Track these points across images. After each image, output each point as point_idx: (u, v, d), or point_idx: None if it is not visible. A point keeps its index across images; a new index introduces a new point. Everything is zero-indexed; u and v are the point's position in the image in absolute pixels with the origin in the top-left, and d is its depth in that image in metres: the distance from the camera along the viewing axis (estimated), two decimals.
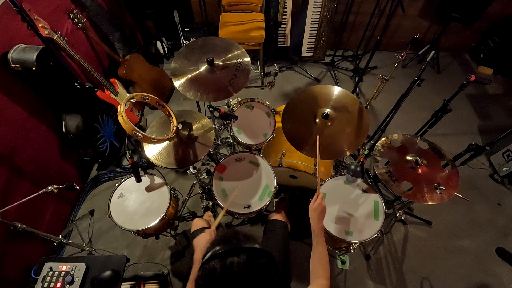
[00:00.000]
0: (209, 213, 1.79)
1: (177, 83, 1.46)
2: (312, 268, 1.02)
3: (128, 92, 2.45)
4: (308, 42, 3.07)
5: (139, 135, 1.13)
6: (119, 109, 1.12)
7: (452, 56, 3.40)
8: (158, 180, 1.53)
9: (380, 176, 1.35)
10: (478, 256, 1.95)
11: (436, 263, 1.92)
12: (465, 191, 2.21)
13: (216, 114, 1.39)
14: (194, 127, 1.47)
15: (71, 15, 1.97)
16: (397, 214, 1.61)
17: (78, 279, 1.19)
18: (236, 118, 1.57)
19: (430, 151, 1.44)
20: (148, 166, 2.17)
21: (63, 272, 1.21)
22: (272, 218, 1.54)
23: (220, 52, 1.57)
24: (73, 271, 1.21)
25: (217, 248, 0.75)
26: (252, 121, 1.68)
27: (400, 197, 1.91)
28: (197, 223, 1.51)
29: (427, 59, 1.98)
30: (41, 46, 1.54)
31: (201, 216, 1.89)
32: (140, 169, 1.46)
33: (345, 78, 3.14)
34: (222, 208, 1.43)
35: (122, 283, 1.37)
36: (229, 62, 1.55)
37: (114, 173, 2.31)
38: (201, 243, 1.10)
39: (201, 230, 1.46)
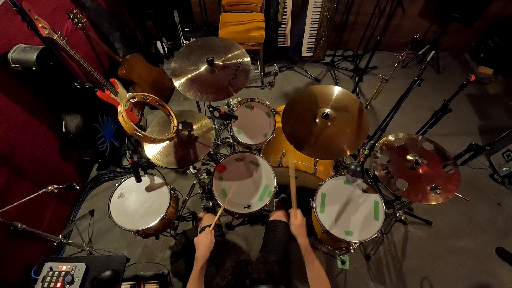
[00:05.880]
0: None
1: (177, 83, 1.46)
2: (312, 285, 1.02)
3: (128, 92, 2.45)
4: (308, 42, 3.07)
5: (140, 134, 1.13)
6: (119, 108, 1.12)
7: (452, 56, 3.40)
8: (158, 180, 1.53)
9: (377, 174, 1.36)
10: (478, 256, 1.95)
11: (436, 263, 1.92)
12: (465, 191, 2.21)
13: (216, 114, 1.39)
14: (194, 127, 1.47)
15: (71, 15, 1.97)
16: (397, 214, 1.61)
17: (78, 279, 1.19)
18: (236, 118, 1.57)
19: (434, 152, 1.43)
20: (148, 166, 2.17)
21: (63, 272, 1.21)
22: (272, 218, 1.54)
23: (220, 52, 1.57)
24: (73, 271, 1.21)
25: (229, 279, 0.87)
26: (252, 121, 1.68)
27: (400, 197, 1.91)
28: (207, 219, 1.47)
29: (427, 59, 1.98)
30: (41, 46, 1.54)
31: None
32: (140, 169, 1.46)
33: (345, 78, 3.14)
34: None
35: (122, 283, 1.37)
36: (229, 62, 1.55)
37: (114, 173, 2.31)
38: (201, 242, 1.11)
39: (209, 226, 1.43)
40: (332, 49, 3.33)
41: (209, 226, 1.42)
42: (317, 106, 1.45)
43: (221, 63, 1.53)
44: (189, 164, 1.45)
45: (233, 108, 1.70)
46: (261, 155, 1.60)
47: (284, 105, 1.51)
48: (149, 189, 1.50)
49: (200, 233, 1.42)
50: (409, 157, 1.40)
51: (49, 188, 1.28)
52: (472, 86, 3.03)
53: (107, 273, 1.20)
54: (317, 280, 1.01)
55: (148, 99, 1.27)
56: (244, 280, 0.92)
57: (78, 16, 2.00)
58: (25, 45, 1.55)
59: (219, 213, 1.23)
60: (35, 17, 1.61)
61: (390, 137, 1.50)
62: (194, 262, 1.05)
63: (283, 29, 2.97)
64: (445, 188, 1.29)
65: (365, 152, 1.45)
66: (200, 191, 2.02)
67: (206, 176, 1.99)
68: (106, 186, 2.26)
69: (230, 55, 1.56)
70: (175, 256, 1.92)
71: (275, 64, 1.95)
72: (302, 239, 1.09)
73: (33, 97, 1.71)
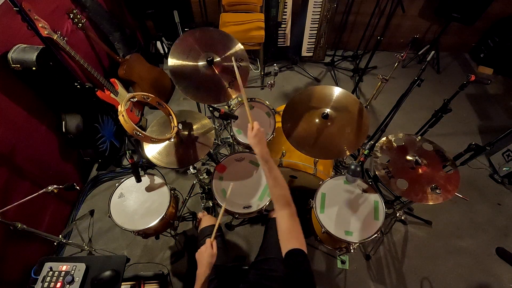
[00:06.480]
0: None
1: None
2: (272, 194, 0.99)
3: (128, 92, 2.45)
4: (308, 42, 3.07)
5: (140, 134, 1.13)
6: (119, 108, 1.12)
7: (452, 56, 3.40)
8: (158, 180, 1.53)
9: (378, 173, 1.36)
10: (478, 256, 1.95)
11: (436, 263, 1.92)
12: (465, 191, 2.21)
13: (216, 114, 1.39)
14: (194, 127, 1.47)
15: (71, 15, 1.97)
16: (397, 214, 1.61)
17: (78, 279, 1.19)
18: (236, 118, 1.57)
19: (433, 152, 1.43)
20: (148, 166, 2.17)
21: (63, 272, 1.21)
22: (273, 216, 1.53)
23: (219, 50, 1.55)
24: (73, 271, 1.21)
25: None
26: None
27: (400, 197, 1.91)
28: (207, 220, 1.45)
29: (427, 59, 1.98)
30: (41, 46, 1.54)
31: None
32: (140, 169, 1.46)
33: (345, 78, 3.14)
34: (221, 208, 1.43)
35: (122, 283, 1.37)
36: (229, 62, 1.54)
37: (114, 173, 2.31)
38: (202, 258, 1.06)
39: (210, 227, 1.39)
40: (332, 49, 3.33)
41: (209, 236, 1.37)
42: (317, 106, 1.45)
43: (219, 59, 1.51)
44: (189, 164, 1.45)
45: (233, 108, 1.70)
46: None
47: (284, 105, 1.51)
48: (149, 189, 1.50)
49: (200, 237, 1.41)
50: (408, 157, 1.40)
51: (49, 188, 1.28)
52: (472, 86, 3.03)
53: (107, 273, 1.20)
54: (275, 188, 0.97)
55: (148, 99, 1.27)
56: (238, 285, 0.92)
57: (78, 16, 2.00)
58: (25, 45, 1.55)
59: (219, 218, 1.19)
60: (35, 17, 1.61)
61: (390, 137, 1.50)
62: (196, 279, 1.02)
63: (283, 29, 2.97)
64: (445, 188, 1.30)
65: (365, 152, 1.45)
66: (200, 191, 2.02)
67: (206, 176, 1.99)
68: (106, 186, 2.26)
69: (229, 53, 1.56)
70: (175, 256, 1.92)
71: (275, 64, 1.95)
72: (258, 148, 1.01)
73: (33, 97, 1.71)
